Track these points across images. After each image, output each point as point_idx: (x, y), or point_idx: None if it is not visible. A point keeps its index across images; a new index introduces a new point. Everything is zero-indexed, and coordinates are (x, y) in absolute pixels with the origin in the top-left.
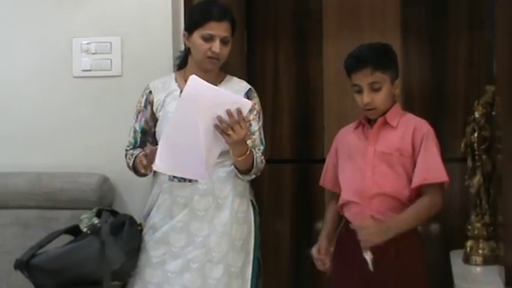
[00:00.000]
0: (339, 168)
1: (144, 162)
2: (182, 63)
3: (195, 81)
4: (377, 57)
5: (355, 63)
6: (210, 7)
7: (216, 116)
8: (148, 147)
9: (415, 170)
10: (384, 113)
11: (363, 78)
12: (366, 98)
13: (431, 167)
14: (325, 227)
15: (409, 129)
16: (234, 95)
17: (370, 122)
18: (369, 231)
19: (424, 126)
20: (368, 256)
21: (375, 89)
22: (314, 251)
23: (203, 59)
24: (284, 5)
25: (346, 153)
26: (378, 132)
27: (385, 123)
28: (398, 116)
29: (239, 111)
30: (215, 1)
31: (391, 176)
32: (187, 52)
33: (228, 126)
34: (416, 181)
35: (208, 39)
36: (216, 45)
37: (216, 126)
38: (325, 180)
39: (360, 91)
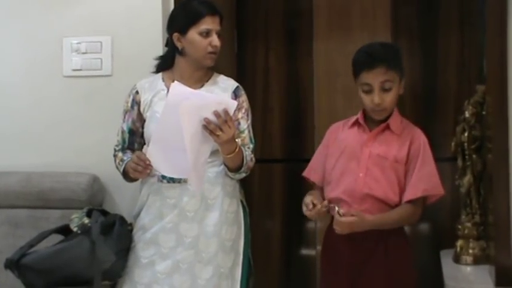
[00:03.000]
0: (327, 164)
1: (137, 173)
2: (165, 65)
3: (177, 88)
4: (391, 56)
5: (369, 60)
6: (200, 4)
7: (204, 118)
8: (136, 157)
9: (413, 180)
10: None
11: (376, 77)
12: (377, 98)
13: (432, 180)
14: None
15: (408, 137)
16: (219, 96)
17: (368, 123)
18: (344, 223)
19: (421, 137)
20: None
21: (385, 88)
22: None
23: (204, 55)
24: (274, 5)
25: (339, 151)
26: (376, 135)
27: (385, 128)
28: (398, 122)
29: (226, 112)
30: (202, 0)
31: (383, 181)
32: (174, 53)
33: (216, 127)
34: (417, 192)
35: (206, 34)
36: (215, 39)
37: (205, 127)
38: (312, 173)
39: (369, 91)
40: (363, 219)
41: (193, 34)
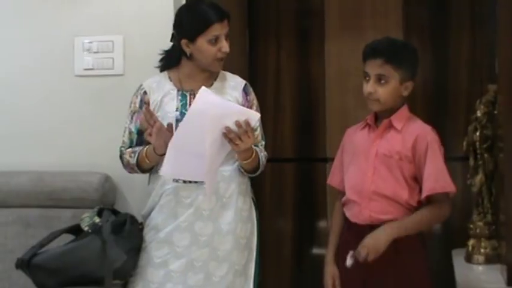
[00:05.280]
0: (344, 167)
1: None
2: (171, 64)
3: (204, 95)
4: (392, 51)
5: (370, 51)
6: (208, 10)
7: (224, 126)
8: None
9: (423, 180)
10: (390, 114)
11: (373, 68)
12: (369, 87)
13: (439, 177)
14: (330, 244)
15: (412, 135)
16: (242, 107)
17: (377, 122)
18: (368, 246)
19: (428, 135)
20: (349, 261)
21: (381, 81)
22: (329, 285)
23: (212, 61)
24: (286, 5)
25: (352, 153)
26: (382, 134)
27: (390, 126)
28: (404, 119)
29: (247, 122)
30: (210, 3)
31: (390, 179)
32: (180, 53)
33: (236, 136)
34: (425, 191)
35: (215, 41)
36: (225, 45)
37: (224, 135)
38: (332, 178)
39: (368, 80)
40: (379, 233)
41: (202, 42)
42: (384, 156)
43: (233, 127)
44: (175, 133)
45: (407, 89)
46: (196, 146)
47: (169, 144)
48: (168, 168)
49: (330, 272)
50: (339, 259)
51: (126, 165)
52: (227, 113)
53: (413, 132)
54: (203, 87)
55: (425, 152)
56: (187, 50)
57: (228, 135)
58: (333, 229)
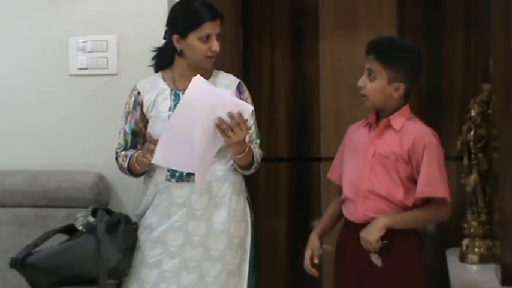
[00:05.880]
0: (343, 164)
1: (147, 156)
2: (165, 63)
3: (198, 83)
4: (383, 50)
5: (367, 46)
6: (202, 8)
7: (217, 117)
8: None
9: (418, 183)
10: (390, 114)
11: (366, 63)
12: (360, 80)
13: (431, 182)
14: (320, 222)
15: (410, 137)
16: (236, 98)
17: (377, 121)
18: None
19: (426, 138)
20: (374, 258)
21: (370, 77)
22: (306, 257)
23: (203, 59)
24: (280, 4)
25: (351, 150)
26: (380, 133)
27: (389, 126)
28: (403, 120)
29: (240, 114)
30: (204, 2)
31: (386, 179)
32: (173, 52)
33: (228, 128)
34: (416, 194)
35: (206, 39)
36: (215, 44)
37: (217, 126)
38: (332, 173)
39: None
40: (370, 227)
41: (193, 39)
42: (381, 156)
43: (226, 118)
44: (167, 121)
45: (399, 91)
46: (188, 135)
47: (162, 133)
48: (160, 157)
49: (310, 244)
50: (336, 258)
51: (120, 168)
52: (220, 103)
53: (411, 134)
54: (197, 76)
55: (422, 154)
56: (178, 46)
57: (221, 126)
58: (327, 212)
